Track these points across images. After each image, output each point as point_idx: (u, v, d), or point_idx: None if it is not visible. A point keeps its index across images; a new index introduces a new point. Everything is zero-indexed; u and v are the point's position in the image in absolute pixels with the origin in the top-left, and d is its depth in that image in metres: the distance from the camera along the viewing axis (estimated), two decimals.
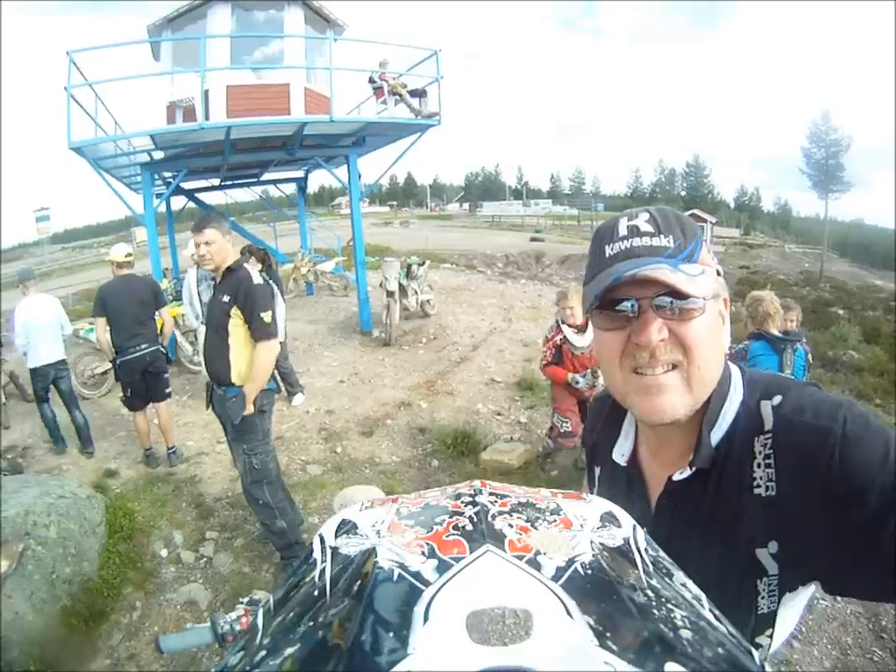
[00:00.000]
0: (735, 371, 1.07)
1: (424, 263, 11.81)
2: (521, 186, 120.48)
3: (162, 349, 6.13)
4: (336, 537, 0.70)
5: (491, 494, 0.72)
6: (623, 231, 0.96)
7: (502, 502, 0.69)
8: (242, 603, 1.62)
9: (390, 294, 10.21)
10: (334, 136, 10.80)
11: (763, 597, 1.00)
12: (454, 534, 0.61)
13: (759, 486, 0.95)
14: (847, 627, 3.73)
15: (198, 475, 6.07)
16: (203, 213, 4.09)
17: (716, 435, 1.01)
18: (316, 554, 0.68)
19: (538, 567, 0.54)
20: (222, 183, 14.49)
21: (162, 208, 12.52)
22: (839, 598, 3.86)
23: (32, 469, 6.27)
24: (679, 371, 0.95)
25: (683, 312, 0.92)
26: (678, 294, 0.90)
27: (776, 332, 3.91)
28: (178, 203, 14.39)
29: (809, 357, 4.20)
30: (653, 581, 0.57)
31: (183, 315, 8.49)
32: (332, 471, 6.12)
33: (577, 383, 4.93)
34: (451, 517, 0.65)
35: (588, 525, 0.66)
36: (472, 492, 0.73)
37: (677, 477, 1.04)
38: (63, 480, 4.87)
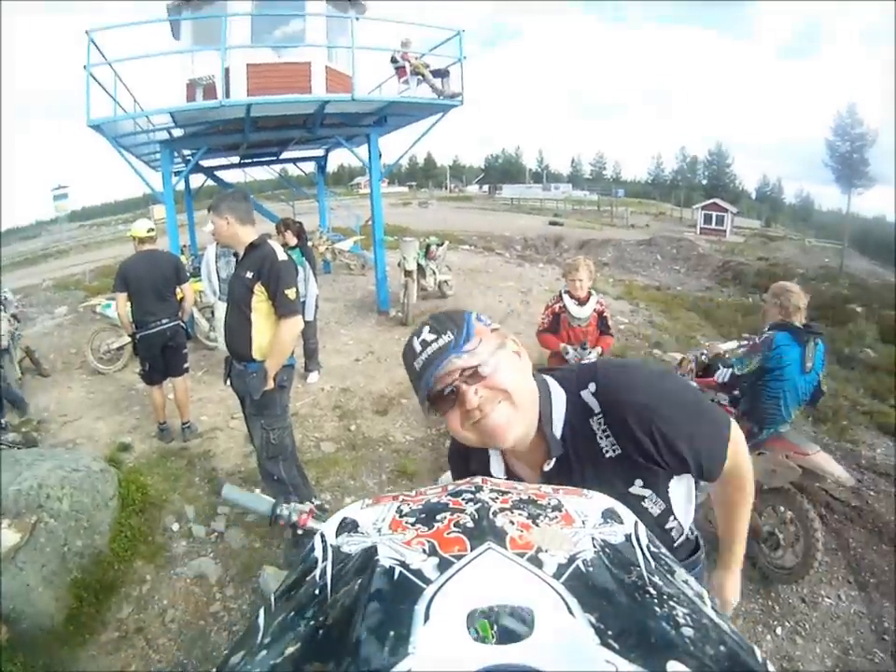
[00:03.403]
0: (548, 378, 1.41)
1: (443, 244, 11.67)
2: (541, 169, 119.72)
3: (182, 324, 6.11)
4: (337, 535, 0.71)
5: (492, 491, 0.74)
6: (417, 347, 1.24)
7: (503, 499, 0.71)
8: (312, 502, 1.74)
9: (408, 274, 10.16)
10: (355, 115, 10.68)
11: (651, 508, 1.37)
12: (455, 531, 0.62)
13: (608, 452, 1.32)
14: (850, 627, 3.70)
15: (211, 450, 6.06)
16: (221, 194, 4.03)
17: (557, 428, 1.34)
18: (317, 553, 0.69)
19: (539, 564, 0.55)
20: (241, 161, 14.44)
21: (181, 186, 12.62)
22: (842, 597, 3.91)
23: (46, 443, 6.27)
24: (504, 403, 1.25)
25: (484, 373, 1.22)
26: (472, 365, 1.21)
27: (799, 325, 3.84)
28: (197, 180, 14.41)
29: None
30: (655, 579, 0.58)
31: (200, 292, 8.44)
32: (346, 449, 6.10)
33: (567, 353, 4.86)
34: (452, 514, 0.66)
35: (589, 521, 0.68)
36: (473, 489, 0.75)
37: (546, 469, 1.35)
38: (77, 453, 4.85)
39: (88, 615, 3.76)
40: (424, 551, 0.58)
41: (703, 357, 4.42)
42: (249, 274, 3.76)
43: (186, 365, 6.25)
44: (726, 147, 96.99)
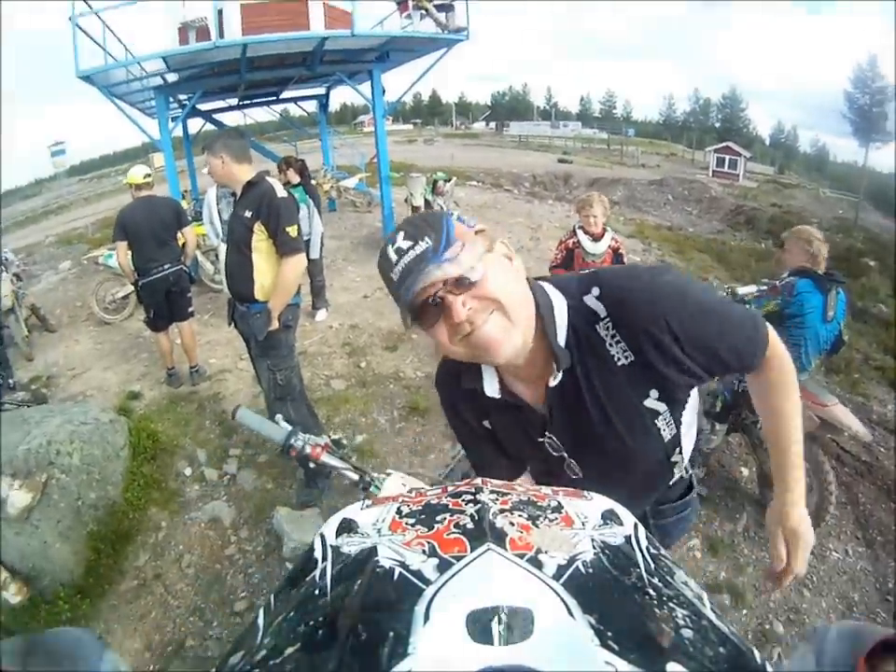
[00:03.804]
0: (546, 284, 1.28)
1: (451, 179, 11.43)
2: (549, 107, 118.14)
3: (185, 268, 6.04)
4: (337, 536, 0.71)
5: (492, 492, 0.74)
6: (393, 256, 1.11)
7: (503, 500, 0.71)
8: (328, 436, 1.69)
9: (415, 210, 9.96)
10: (357, 52, 10.34)
11: (663, 430, 1.28)
12: (454, 532, 0.62)
13: (619, 360, 1.20)
14: (856, 584, 3.68)
15: (221, 393, 6.06)
16: (215, 134, 3.92)
17: (561, 338, 1.21)
18: (317, 554, 0.69)
19: (539, 565, 0.54)
20: (240, 103, 14.14)
21: (179, 132, 12.30)
22: (850, 553, 3.88)
23: (56, 398, 6.26)
24: (496, 314, 1.12)
25: (470, 283, 1.09)
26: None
27: (821, 272, 3.74)
28: (196, 125, 14.08)
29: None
30: (655, 580, 0.58)
31: (204, 235, 8.41)
32: (356, 386, 6.07)
33: None
34: (452, 515, 0.67)
35: (589, 523, 0.68)
36: (473, 490, 0.74)
37: (552, 383, 1.23)
38: (86, 406, 4.80)
39: (106, 566, 3.79)
40: (424, 552, 0.58)
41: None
42: (248, 213, 3.65)
43: (191, 309, 6.20)
44: (740, 92, 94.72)
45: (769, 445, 1.48)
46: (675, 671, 0.42)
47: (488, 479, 0.81)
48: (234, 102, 13.87)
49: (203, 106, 12.58)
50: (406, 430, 5.24)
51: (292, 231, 3.67)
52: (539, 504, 0.71)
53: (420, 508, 0.72)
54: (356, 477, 1.57)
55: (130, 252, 5.68)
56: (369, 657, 0.45)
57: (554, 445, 1.34)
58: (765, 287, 3.83)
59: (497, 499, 0.70)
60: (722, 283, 9.41)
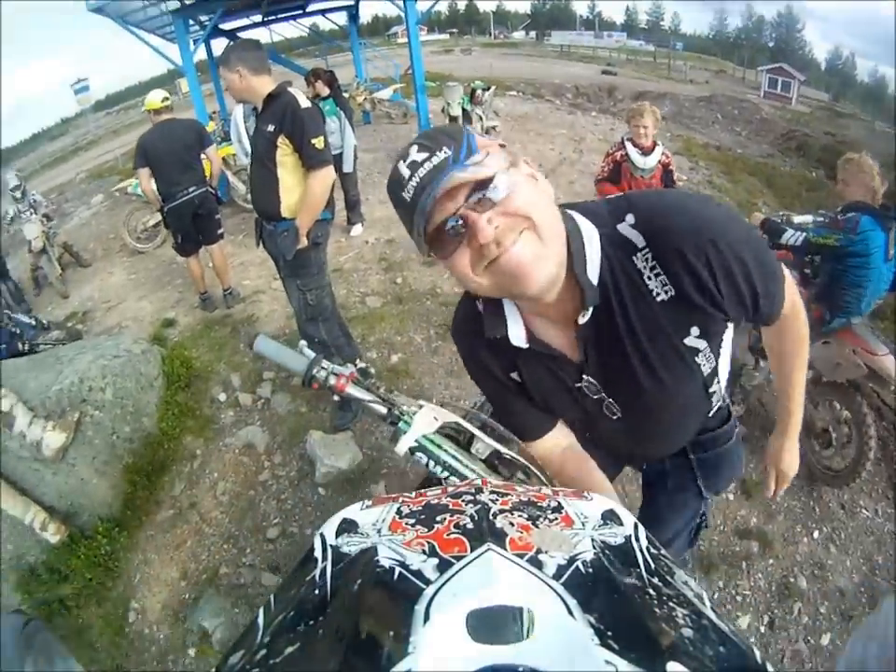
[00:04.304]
0: (573, 213, 1.13)
1: (489, 88, 11.11)
2: (593, 16, 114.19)
3: (211, 190, 5.92)
4: (337, 536, 0.71)
5: (492, 492, 0.75)
6: (405, 172, 0.97)
7: (503, 500, 0.72)
8: (356, 364, 1.56)
9: (453, 119, 9.84)
10: None
11: (703, 365, 1.20)
12: (454, 532, 0.63)
13: (658, 294, 1.09)
14: (882, 546, 3.54)
15: (255, 314, 6.02)
16: (228, 46, 3.72)
17: (592, 272, 1.09)
18: (317, 554, 0.68)
19: (539, 565, 0.55)
20: (265, 19, 13.60)
21: (203, 54, 12.04)
22: (879, 513, 3.76)
23: (92, 332, 6.32)
24: (528, 232, 0.98)
25: (498, 195, 0.94)
26: (482, 185, 0.94)
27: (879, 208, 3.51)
28: (220, 46, 13.38)
29: None
30: (655, 580, 0.58)
31: (234, 155, 8.31)
32: (392, 303, 5.96)
33: None
34: (452, 515, 0.67)
35: (589, 523, 0.69)
36: (473, 490, 0.76)
37: (581, 321, 1.13)
38: (118, 338, 4.80)
39: (142, 498, 3.85)
40: (423, 552, 0.59)
41: (778, 221, 4.01)
42: (271, 127, 3.47)
43: (220, 231, 6.11)
44: (797, 11, 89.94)
45: (776, 387, 1.65)
46: (675, 671, 0.42)
47: (488, 479, 0.84)
48: (259, 18, 13.37)
49: (226, 26, 12.23)
50: (443, 349, 5.11)
51: (318, 142, 3.47)
52: (538, 504, 0.72)
53: (420, 508, 0.73)
54: (383, 410, 1.41)
55: (153, 178, 5.58)
56: (369, 657, 0.44)
57: (592, 388, 1.26)
58: (823, 219, 3.59)
59: (497, 499, 0.71)
60: (774, 209, 9.05)
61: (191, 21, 10.70)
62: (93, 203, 12.56)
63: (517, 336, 1.21)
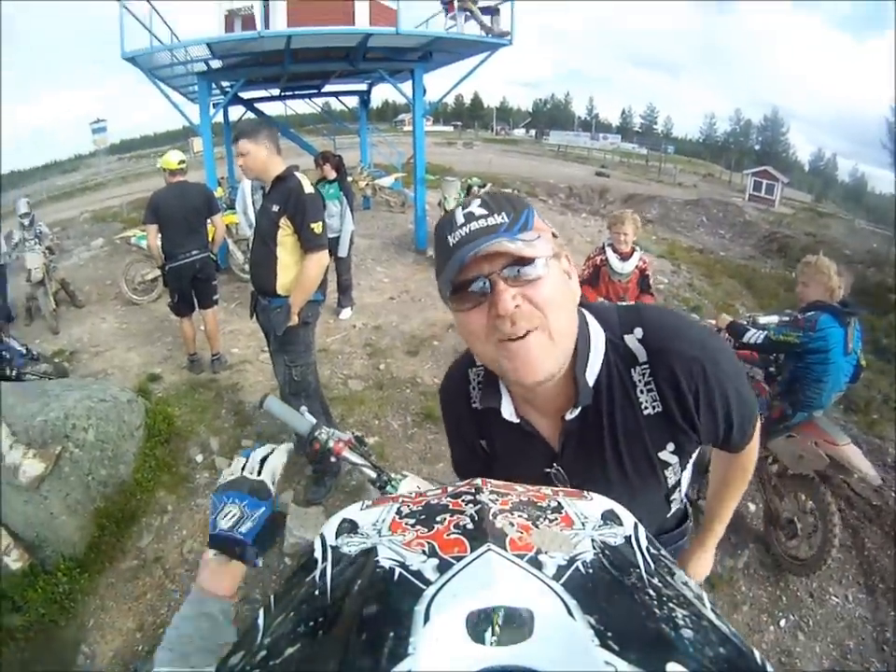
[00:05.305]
0: (586, 314, 1.19)
1: (485, 185, 11.28)
2: (590, 118, 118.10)
3: (212, 256, 6.08)
4: (336, 536, 0.71)
5: (492, 492, 0.73)
6: (460, 219, 1.01)
7: (503, 500, 0.70)
8: (351, 432, 1.66)
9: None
10: (400, 50, 10.37)
11: (670, 477, 1.25)
12: (454, 533, 0.61)
13: (647, 408, 1.15)
14: (853, 630, 3.60)
15: (240, 383, 6.09)
16: (243, 123, 3.93)
17: (591, 373, 1.14)
18: (317, 554, 0.68)
19: (539, 565, 0.54)
20: (282, 94, 14.22)
21: (220, 118, 12.43)
22: (850, 598, 3.83)
23: (77, 374, 6.35)
24: (540, 330, 1.02)
25: (532, 276, 0.99)
26: (522, 261, 0.98)
27: (838, 305, 3.69)
28: (237, 113, 14.19)
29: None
30: (655, 580, 0.58)
31: (237, 224, 8.49)
32: (373, 387, 6.06)
33: None
34: (451, 516, 0.66)
35: (589, 523, 0.68)
36: (473, 490, 0.74)
37: (569, 417, 1.16)
38: (106, 384, 4.90)
39: (108, 543, 3.84)
40: (423, 552, 0.58)
41: (743, 322, 4.20)
42: (276, 208, 3.69)
43: (216, 297, 6.25)
44: (782, 115, 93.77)
45: (708, 504, 1.74)
46: (675, 671, 0.42)
47: (488, 479, 0.80)
48: (276, 92, 13.95)
49: (245, 95, 12.66)
50: (418, 437, 5.22)
51: (317, 227, 3.70)
52: (539, 504, 0.70)
53: (420, 508, 0.72)
54: (373, 475, 1.56)
55: (160, 235, 5.74)
56: (368, 657, 0.44)
57: (560, 477, 1.30)
58: (787, 318, 3.77)
59: (497, 500, 0.70)
60: (746, 311, 9.31)
61: (214, 86, 11.13)
62: (93, 245, 12.73)
63: (507, 411, 1.23)
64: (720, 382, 1.13)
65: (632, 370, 1.15)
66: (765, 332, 3.69)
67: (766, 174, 39.94)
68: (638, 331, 1.15)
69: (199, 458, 4.77)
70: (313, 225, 3.67)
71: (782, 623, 3.59)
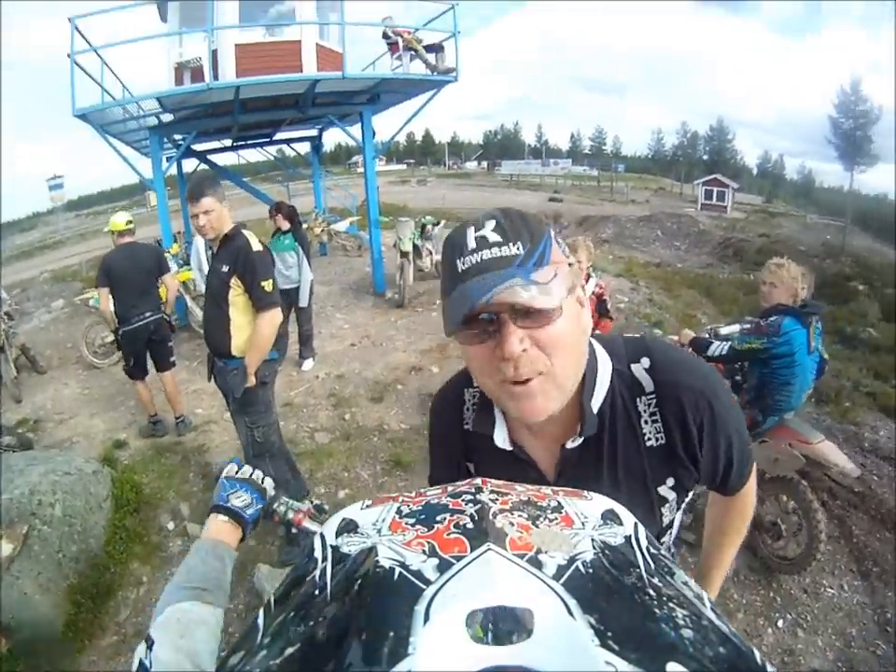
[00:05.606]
0: (594, 341, 1.16)
1: (439, 223, 11.50)
2: (540, 144, 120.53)
3: (166, 317, 6.02)
4: (336, 536, 0.70)
5: (492, 492, 0.72)
6: (471, 243, 0.94)
7: (503, 500, 0.69)
8: (311, 502, 1.64)
9: (404, 255, 10.01)
10: (348, 94, 10.50)
11: (665, 515, 1.20)
12: (454, 532, 0.61)
13: (650, 439, 1.12)
14: (853, 618, 3.65)
15: (206, 444, 6.00)
16: (196, 178, 3.92)
17: (596, 403, 1.11)
18: (317, 554, 0.68)
19: (539, 565, 0.54)
20: (234, 144, 14.27)
21: (174, 171, 12.46)
22: (845, 587, 3.88)
23: (42, 443, 6.25)
24: (545, 375, 0.97)
25: (542, 318, 0.93)
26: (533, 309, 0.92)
27: (799, 307, 3.76)
28: (190, 165, 14.16)
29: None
30: (655, 580, 0.58)
31: (193, 280, 8.43)
32: (340, 439, 6.02)
33: None
34: (452, 515, 0.65)
35: (589, 523, 0.67)
36: (473, 490, 0.73)
37: (569, 445, 1.12)
38: (70, 455, 4.82)
39: (86, 620, 3.76)
40: (423, 552, 0.57)
41: (705, 337, 4.21)
42: (225, 268, 3.66)
43: (172, 359, 6.18)
44: (727, 123, 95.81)
45: (704, 554, 1.64)
46: (675, 671, 0.42)
47: (488, 479, 0.80)
48: (229, 143, 14.04)
49: (198, 147, 12.70)
50: (388, 485, 5.19)
51: (267, 285, 3.67)
52: (538, 504, 0.70)
53: (420, 508, 0.71)
54: None
55: (111, 299, 5.65)
56: (368, 657, 0.44)
57: None
58: (748, 326, 3.82)
59: (497, 499, 0.70)
60: (708, 321, 9.43)
61: (166, 139, 11.13)
62: (54, 307, 12.58)
63: (501, 438, 1.19)
64: (723, 418, 1.12)
65: (637, 399, 1.13)
66: (729, 343, 3.74)
67: (716, 181, 41.06)
68: (646, 361, 1.14)
69: (170, 526, 4.69)
70: (263, 283, 3.65)
71: (780, 623, 3.61)
